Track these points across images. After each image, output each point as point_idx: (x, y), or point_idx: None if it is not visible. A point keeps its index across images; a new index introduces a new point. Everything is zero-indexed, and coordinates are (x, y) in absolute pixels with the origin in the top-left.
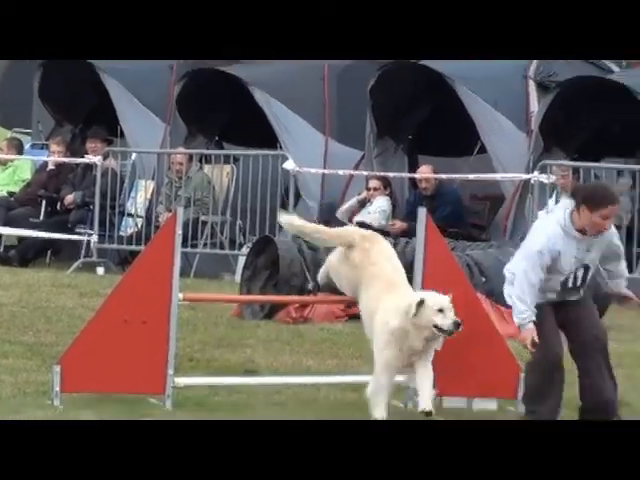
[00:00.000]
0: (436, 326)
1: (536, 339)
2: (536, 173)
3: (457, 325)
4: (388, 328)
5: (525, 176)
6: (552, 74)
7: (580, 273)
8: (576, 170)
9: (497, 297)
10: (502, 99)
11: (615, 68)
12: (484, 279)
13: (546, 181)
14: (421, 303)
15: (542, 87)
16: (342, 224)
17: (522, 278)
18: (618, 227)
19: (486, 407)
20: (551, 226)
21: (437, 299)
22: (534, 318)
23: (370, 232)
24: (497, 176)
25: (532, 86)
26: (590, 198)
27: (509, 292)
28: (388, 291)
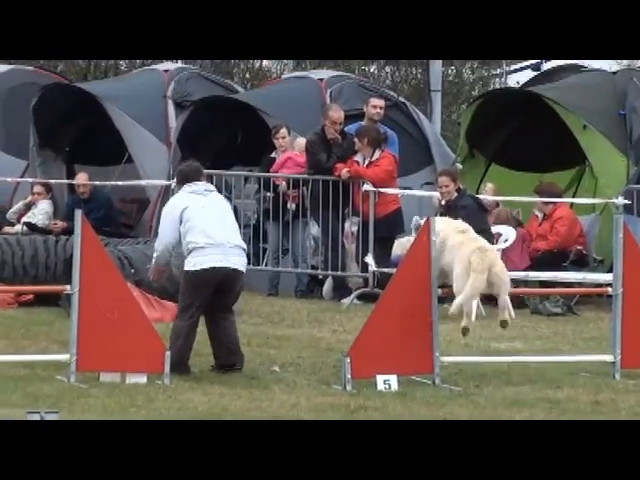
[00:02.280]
0: None
1: None
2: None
3: None
4: None
5: (166, 182)
6: (186, 94)
7: None
8: (209, 176)
9: (145, 286)
10: (145, 116)
11: (240, 89)
12: (133, 270)
13: None
14: None
15: (179, 105)
16: (12, 224)
17: None
18: (247, 225)
19: (138, 381)
20: None
21: None
22: None
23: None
24: (142, 182)
25: (170, 105)
26: (185, 177)
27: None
28: None
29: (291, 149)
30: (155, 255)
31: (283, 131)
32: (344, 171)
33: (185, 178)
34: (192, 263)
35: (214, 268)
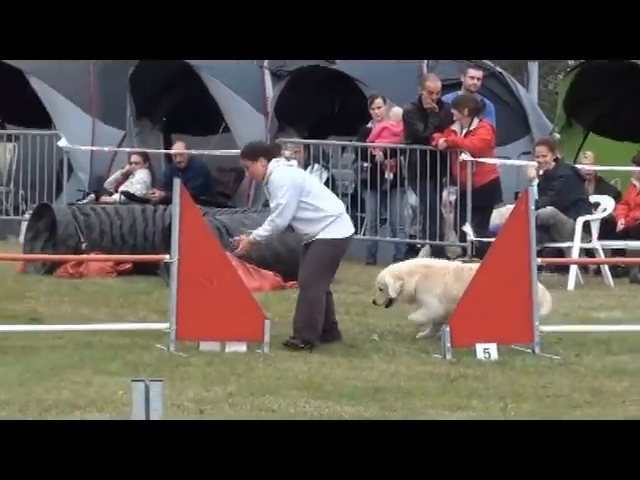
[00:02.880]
0: None
1: None
2: None
3: None
4: None
5: None
6: (283, 64)
7: None
8: (307, 146)
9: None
10: (242, 86)
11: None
12: (231, 240)
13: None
14: None
15: (275, 75)
16: (110, 193)
17: None
18: (345, 195)
19: (237, 349)
20: None
21: None
22: None
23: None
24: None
25: (267, 74)
26: (268, 151)
27: None
28: None
29: (387, 119)
30: (270, 228)
31: (379, 101)
32: (441, 141)
33: (270, 154)
34: (338, 230)
35: (350, 235)
